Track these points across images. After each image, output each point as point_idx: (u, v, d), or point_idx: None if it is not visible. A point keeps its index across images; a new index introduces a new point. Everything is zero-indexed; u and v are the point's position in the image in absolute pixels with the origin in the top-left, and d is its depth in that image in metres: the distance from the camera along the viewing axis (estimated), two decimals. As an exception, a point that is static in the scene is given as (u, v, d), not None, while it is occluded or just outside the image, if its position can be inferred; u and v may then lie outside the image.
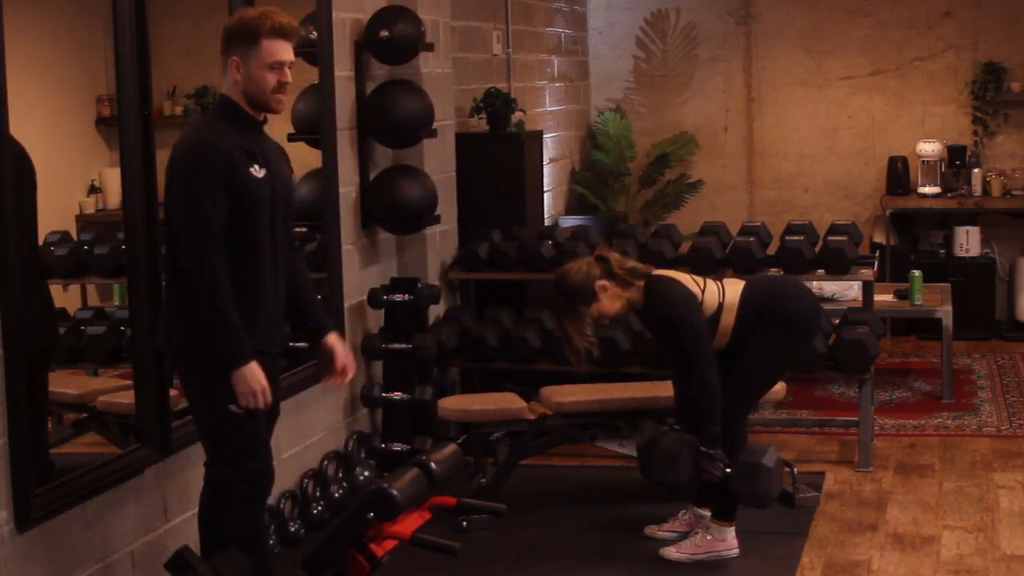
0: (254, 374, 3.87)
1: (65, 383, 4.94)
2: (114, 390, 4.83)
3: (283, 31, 3.94)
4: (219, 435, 4.03)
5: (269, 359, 4.10)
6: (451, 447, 3.97)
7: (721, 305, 5.06)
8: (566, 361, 6.36)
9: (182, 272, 3.92)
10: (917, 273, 7.60)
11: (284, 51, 3.95)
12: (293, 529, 5.26)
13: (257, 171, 3.94)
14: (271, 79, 3.94)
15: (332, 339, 4.27)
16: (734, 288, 5.12)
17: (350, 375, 4.30)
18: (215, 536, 4.08)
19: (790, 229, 6.65)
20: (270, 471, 4.09)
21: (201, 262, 3.84)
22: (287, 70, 3.97)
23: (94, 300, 5.32)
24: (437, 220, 6.51)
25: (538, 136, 7.83)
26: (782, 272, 6.52)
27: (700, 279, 5.13)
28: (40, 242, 4.97)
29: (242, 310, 3.91)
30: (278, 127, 5.52)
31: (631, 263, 5.14)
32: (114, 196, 5.10)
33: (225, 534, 4.06)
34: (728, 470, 4.98)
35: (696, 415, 5.05)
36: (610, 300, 5.04)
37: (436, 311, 6.64)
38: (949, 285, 8.13)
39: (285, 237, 4.08)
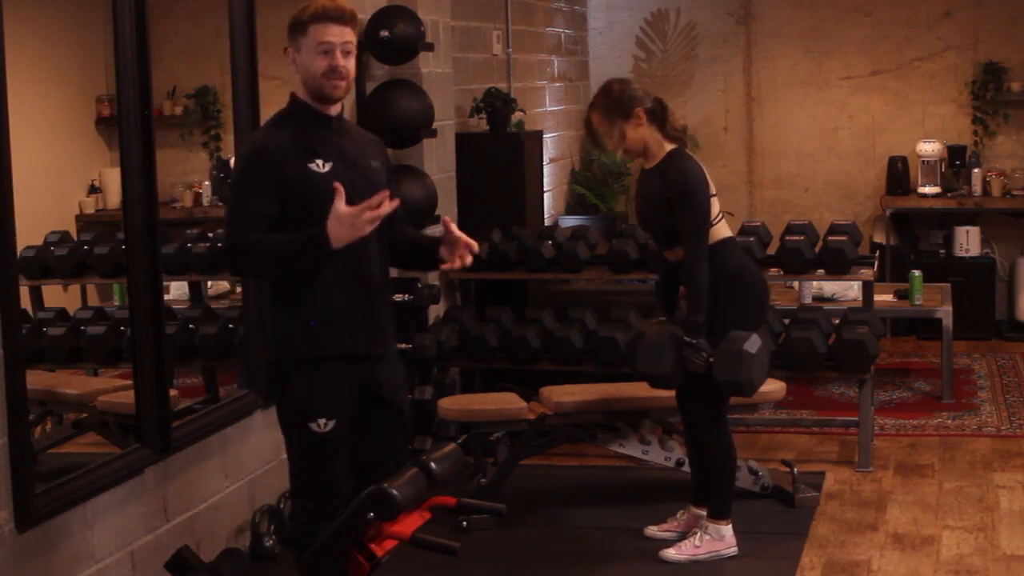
0: (336, 221, 3.69)
1: (65, 383, 4.95)
2: (114, 390, 4.83)
3: (328, 14, 3.83)
4: (299, 452, 3.98)
5: (360, 363, 3.94)
6: (451, 447, 3.96)
7: (711, 223, 5.01)
8: (566, 361, 6.39)
9: (231, 268, 3.99)
10: (917, 273, 7.60)
11: (332, 33, 3.83)
12: (293, 529, 5.25)
13: (320, 166, 3.83)
14: (321, 62, 3.83)
15: (447, 224, 4.05)
16: (723, 229, 5.04)
17: (474, 247, 4.03)
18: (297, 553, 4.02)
19: (790, 229, 6.65)
20: (336, 490, 3.96)
21: (234, 246, 3.80)
22: (339, 53, 3.83)
23: (94, 300, 5.32)
24: (437, 220, 6.51)
25: (538, 136, 7.83)
26: (782, 272, 6.53)
27: (714, 187, 5.06)
28: (40, 242, 4.99)
29: (311, 308, 3.84)
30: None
31: (679, 126, 5.07)
32: (114, 196, 5.10)
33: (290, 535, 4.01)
34: (711, 359, 4.91)
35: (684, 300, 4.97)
36: (636, 134, 4.97)
37: (436, 311, 6.64)
38: (949, 285, 8.13)
39: (375, 231, 3.84)
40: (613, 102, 5.00)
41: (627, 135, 4.99)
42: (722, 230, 5.04)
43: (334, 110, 3.95)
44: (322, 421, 3.87)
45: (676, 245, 4.99)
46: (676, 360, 4.94)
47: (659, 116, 5.00)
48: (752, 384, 4.96)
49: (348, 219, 3.70)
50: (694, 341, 4.89)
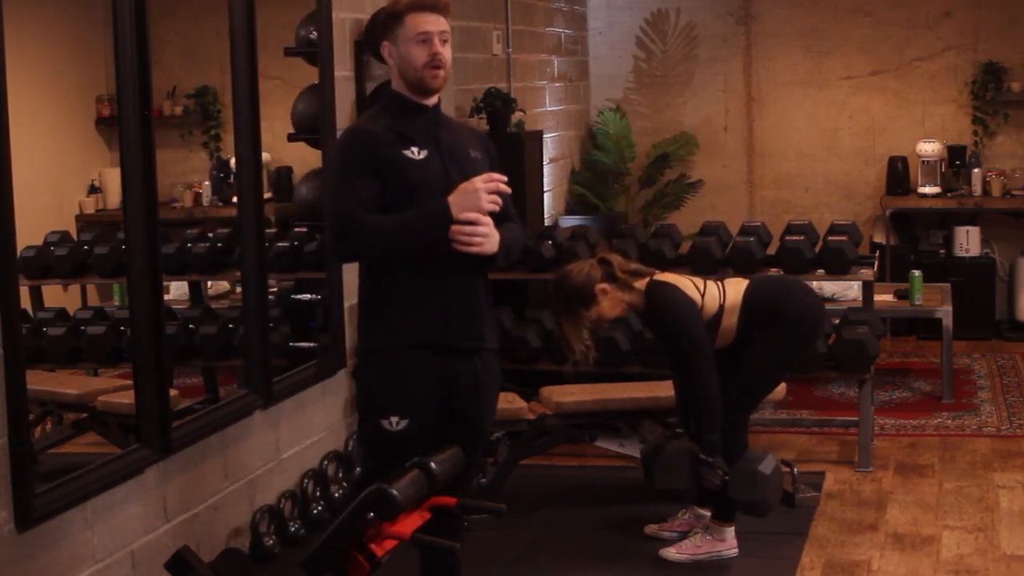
0: (458, 192, 3.70)
1: (65, 383, 4.95)
2: (114, 390, 4.83)
3: (424, 3, 3.79)
4: (369, 448, 3.94)
5: (442, 356, 3.82)
6: (451, 447, 3.97)
7: (722, 307, 5.06)
8: (566, 361, 6.38)
9: (341, 255, 3.93)
10: (917, 273, 7.61)
11: (430, 22, 3.79)
12: (293, 529, 5.26)
13: (415, 153, 3.79)
14: (420, 53, 3.78)
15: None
16: (736, 289, 5.12)
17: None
18: None
19: (790, 229, 6.65)
20: None
21: (346, 230, 3.75)
22: (438, 42, 3.79)
23: (94, 300, 5.32)
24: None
25: (538, 136, 7.83)
26: (782, 272, 6.53)
27: (701, 282, 5.12)
28: (40, 242, 4.99)
29: (403, 295, 3.78)
30: (278, 127, 5.54)
31: (633, 265, 5.14)
32: (114, 196, 5.11)
33: None
34: (727, 477, 4.98)
35: (695, 422, 5.07)
36: (610, 304, 5.03)
37: (436, 311, 6.62)
38: (949, 285, 8.13)
39: None
40: (574, 300, 5.00)
41: (604, 312, 5.04)
42: (736, 291, 5.11)
43: (431, 100, 3.90)
44: (394, 419, 3.79)
45: None
46: (692, 476, 5.03)
47: (613, 273, 5.02)
48: (767, 504, 5.05)
49: (464, 186, 3.71)
50: (709, 459, 4.97)
